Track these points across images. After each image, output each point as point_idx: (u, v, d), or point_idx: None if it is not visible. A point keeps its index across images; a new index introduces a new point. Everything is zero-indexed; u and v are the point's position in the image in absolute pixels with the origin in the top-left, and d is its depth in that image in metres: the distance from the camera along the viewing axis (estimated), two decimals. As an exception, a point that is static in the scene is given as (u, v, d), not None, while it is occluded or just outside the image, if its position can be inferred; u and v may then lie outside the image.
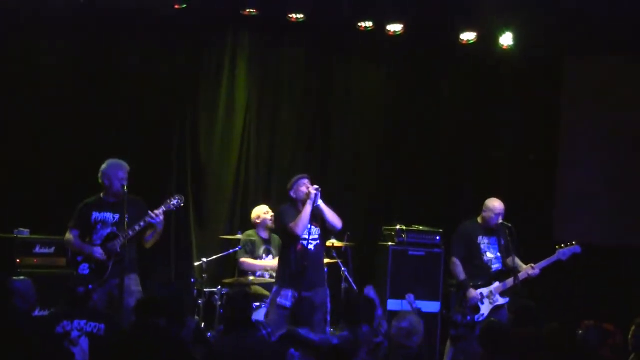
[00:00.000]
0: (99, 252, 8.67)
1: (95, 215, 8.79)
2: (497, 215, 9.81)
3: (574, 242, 9.83)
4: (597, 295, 11.77)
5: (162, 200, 8.96)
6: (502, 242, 9.81)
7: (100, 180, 8.87)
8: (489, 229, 9.86)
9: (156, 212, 8.74)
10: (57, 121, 10.96)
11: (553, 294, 11.26)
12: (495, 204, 9.86)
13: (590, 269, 12.00)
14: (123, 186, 8.66)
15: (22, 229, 9.92)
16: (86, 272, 8.62)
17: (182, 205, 9.05)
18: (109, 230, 8.74)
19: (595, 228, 12.32)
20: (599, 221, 12.43)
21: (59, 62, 11.06)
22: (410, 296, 9.86)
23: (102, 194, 8.91)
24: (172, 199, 8.92)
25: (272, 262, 10.55)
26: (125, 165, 8.90)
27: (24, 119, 10.78)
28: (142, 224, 8.68)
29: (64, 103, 11.03)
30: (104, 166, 8.90)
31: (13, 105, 10.75)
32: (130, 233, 8.60)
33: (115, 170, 8.83)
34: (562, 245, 9.83)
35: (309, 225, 9.07)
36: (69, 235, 8.86)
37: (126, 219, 8.53)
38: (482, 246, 9.84)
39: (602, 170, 12.55)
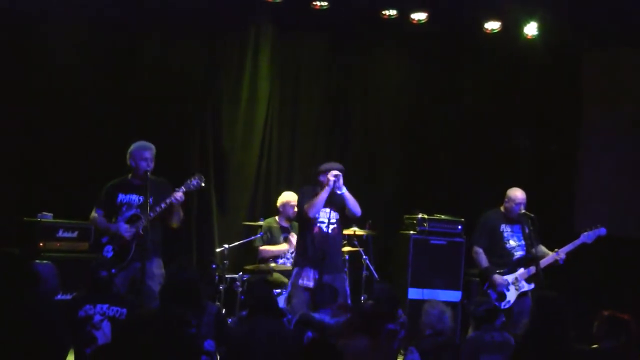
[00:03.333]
0: (125, 228, 8.69)
1: (121, 197, 8.83)
2: (518, 204, 9.81)
3: (598, 225, 9.83)
4: (617, 286, 11.74)
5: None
6: (527, 230, 9.80)
7: (128, 162, 8.90)
8: (512, 217, 9.87)
9: (177, 193, 8.73)
10: (81, 108, 10.95)
11: (573, 285, 11.22)
12: (516, 194, 9.87)
13: (610, 260, 11.99)
14: (146, 171, 8.69)
15: (45, 213, 9.97)
16: (110, 254, 8.65)
17: (203, 185, 9.02)
18: (132, 212, 8.77)
19: (616, 219, 12.25)
20: (620, 212, 12.38)
21: (84, 51, 11.04)
22: None
23: (129, 175, 8.93)
24: (192, 179, 8.87)
25: (287, 245, 10.62)
26: (151, 147, 8.91)
27: (48, 104, 10.80)
28: (162, 205, 8.69)
29: (87, 90, 11.04)
30: (130, 147, 8.92)
31: (36, 90, 10.78)
32: (152, 214, 8.62)
33: (141, 151, 8.85)
34: (587, 229, 9.82)
35: (329, 210, 9.11)
36: (93, 214, 8.92)
37: (150, 202, 8.57)
38: (505, 234, 9.86)
39: (624, 161, 12.49)
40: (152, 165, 8.81)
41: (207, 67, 11.79)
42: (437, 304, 7.49)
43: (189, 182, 8.90)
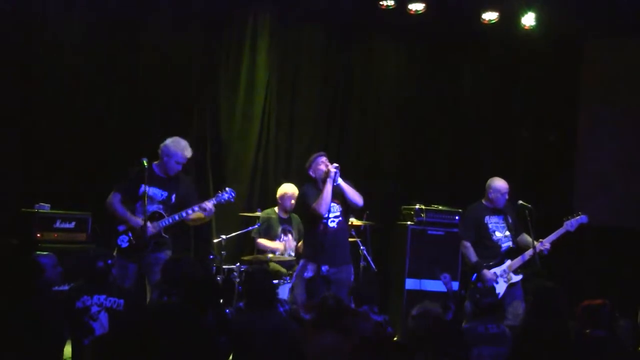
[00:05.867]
0: (149, 228, 8.52)
1: (144, 187, 8.55)
2: (504, 194, 9.80)
3: (580, 213, 9.82)
4: (615, 276, 11.75)
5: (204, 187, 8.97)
6: (510, 220, 9.81)
7: (159, 151, 8.81)
8: (495, 209, 9.86)
9: (208, 204, 8.70)
10: (78, 99, 10.93)
11: (570, 275, 11.23)
12: (501, 184, 9.84)
13: (609, 250, 12.01)
14: (143, 161, 8.60)
15: (42, 204, 9.93)
16: (125, 244, 8.60)
17: (233, 201, 9.04)
18: (155, 208, 8.67)
19: (614, 209, 12.28)
20: (617, 202, 12.38)
21: (78, 39, 11.01)
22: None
23: (154, 164, 8.83)
24: (224, 193, 8.89)
25: (283, 245, 10.61)
26: (190, 151, 8.87)
27: (45, 95, 10.77)
28: (189, 211, 8.65)
29: (86, 80, 11.01)
30: (169, 141, 8.84)
31: (34, 81, 10.75)
32: (177, 218, 8.60)
33: (178, 151, 8.77)
34: (569, 217, 9.81)
35: (331, 203, 9.08)
36: (111, 198, 8.74)
37: (172, 199, 8.60)
38: (490, 226, 9.82)
39: (622, 151, 12.49)
40: (181, 166, 8.81)
41: (205, 57, 11.75)
42: (429, 315, 7.31)
43: (220, 194, 8.88)
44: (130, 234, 8.64)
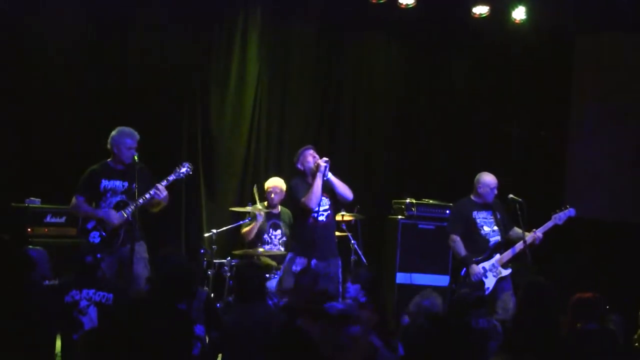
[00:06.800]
0: (113, 215, 8.69)
1: (105, 183, 8.79)
2: (493, 189, 9.82)
3: (568, 206, 9.83)
4: (608, 271, 11.77)
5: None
6: (498, 215, 9.83)
7: (108, 146, 8.90)
8: (483, 204, 9.87)
9: (160, 187, 8.75)
10: (69, 92, 10.94)
11: (561, 269, 11.24)
12: (490, 179, 9.85)
13: (599, 243, 12.03)
14: (134, 156, 8.67)
15: (33, 199, 9.96)
16: (97, 240, 8.62)
17: (191, 173, 9.06)
18: (118, 199, 8.76)
19: (606, 204, 12.30)
20: (610, 197, 12.41)
21: (71, 37, 11.01)
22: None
23: (108, 160, 8.93)
24: (181, 167, 8.94)
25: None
26: (135, 134, 8.91)
27: (36, 91, 10.79)
28: (147, 196, 8.70)
29: (76, 74, 11.02)
30: (113, 133, 8.92)
31: (25, 75, 10.76)
32: (141, 202, 8.62)
33: (124, 138, 8.85)
34: (557, 210, 9.83)
35: (321, 197, 9.10)
36: (75, 201, 8.87)
37: (133, 188, 8.59)
38: (478, 221, 9.83)
39: (613, 146, 12.51)
40: (135, 152, 8.79)
41: (195, 53, 11.74)
42: (429, 297, 7.42)
43: (177, 169, 8.92)
44: (100, 229, 8.70)
